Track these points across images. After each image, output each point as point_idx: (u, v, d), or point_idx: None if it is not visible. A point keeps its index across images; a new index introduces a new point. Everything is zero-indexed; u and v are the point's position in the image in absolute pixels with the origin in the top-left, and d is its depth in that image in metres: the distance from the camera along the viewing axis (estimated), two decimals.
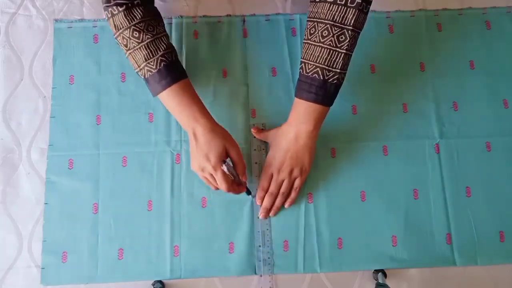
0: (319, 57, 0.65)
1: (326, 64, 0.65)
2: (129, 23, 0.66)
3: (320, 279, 0.74)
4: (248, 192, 0.74)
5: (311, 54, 0.66)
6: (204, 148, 0.68)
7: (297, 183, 0.74)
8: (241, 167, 0.71)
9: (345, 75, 0.67)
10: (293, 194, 0.75)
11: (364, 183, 0.77)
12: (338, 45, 0.65)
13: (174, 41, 0.81)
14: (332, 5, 0.64)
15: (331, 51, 0.65)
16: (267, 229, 0.75)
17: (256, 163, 0.78)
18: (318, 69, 0.66)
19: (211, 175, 0.69)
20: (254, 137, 0.78)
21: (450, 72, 0.81)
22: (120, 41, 0.68)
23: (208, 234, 0.75)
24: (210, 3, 0.85)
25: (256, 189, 0.76)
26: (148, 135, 0.78)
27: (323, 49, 0.65)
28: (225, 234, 0.75)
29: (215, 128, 0.69)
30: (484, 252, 0.74)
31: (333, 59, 0.65)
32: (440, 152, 0.78)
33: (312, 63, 0.66)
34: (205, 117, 0.69)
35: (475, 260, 0.74)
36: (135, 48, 0.66)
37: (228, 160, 0.70)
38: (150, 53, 0.66)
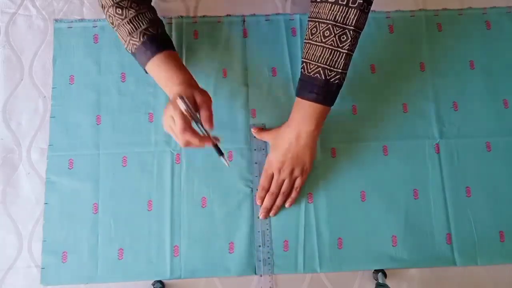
0: (321, 57, 0.65)
1: (328, 64, 0.65)
2: (113, 1, 0.67)
3: (320, 279, 0.74)
4: (218, 151, 0.66)
5: (313, 54, 0.66)
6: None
7: (297, 182, 0.74)
8: (205, 113, 0.64)
9: (346, 75, 0.67)
10: (293, 194, 0.75)
11: (364, 183, 0.77)
12: (340, 45, 0.65)
13: (174, 41, 0.81)
14: (333, 5, 0.64)
15: (333, 51, 0.65)
16: (267, 229, 0.75)
17: (256, 163, 0.78)
18: (319, 68, 0.66)
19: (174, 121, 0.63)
20: (254, 137, 0.78)
21: (450, 72, 0.81)
22: (108, 20, 0.70)
23: (208, 234, 0.75)
24: (209, 3, 0.85)
25: (257, 189, 0.76)
26: (148, 135, 0.78)
27: (325, 49, 0.65)
28: (225, 234, 0.75)
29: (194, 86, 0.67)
30: (484, 252, 0.74)
31: (335, 59, 0.65)
32: (440, 152, 0.78)
33: (314, 63, 0.66)
34: (191, 86, 0.66)
35: (475, 260, 0.74)
36: (119, 25, 0.68)
37: (186, 98, 0.63)
38: (133, 27, 0.68)
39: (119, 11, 0.67)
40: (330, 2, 0.64)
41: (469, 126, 0.79)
